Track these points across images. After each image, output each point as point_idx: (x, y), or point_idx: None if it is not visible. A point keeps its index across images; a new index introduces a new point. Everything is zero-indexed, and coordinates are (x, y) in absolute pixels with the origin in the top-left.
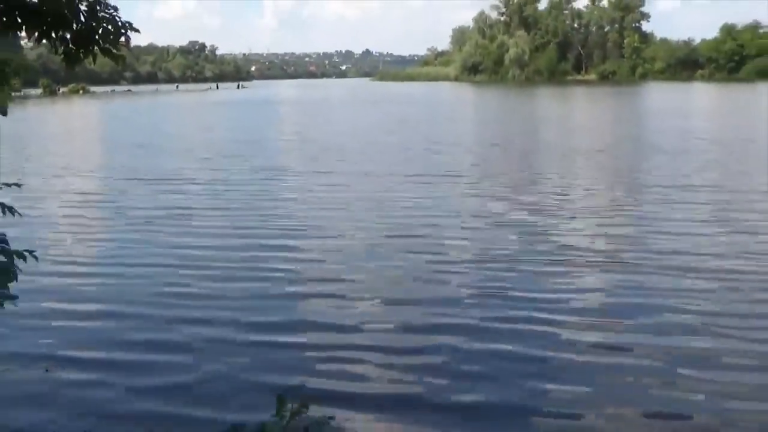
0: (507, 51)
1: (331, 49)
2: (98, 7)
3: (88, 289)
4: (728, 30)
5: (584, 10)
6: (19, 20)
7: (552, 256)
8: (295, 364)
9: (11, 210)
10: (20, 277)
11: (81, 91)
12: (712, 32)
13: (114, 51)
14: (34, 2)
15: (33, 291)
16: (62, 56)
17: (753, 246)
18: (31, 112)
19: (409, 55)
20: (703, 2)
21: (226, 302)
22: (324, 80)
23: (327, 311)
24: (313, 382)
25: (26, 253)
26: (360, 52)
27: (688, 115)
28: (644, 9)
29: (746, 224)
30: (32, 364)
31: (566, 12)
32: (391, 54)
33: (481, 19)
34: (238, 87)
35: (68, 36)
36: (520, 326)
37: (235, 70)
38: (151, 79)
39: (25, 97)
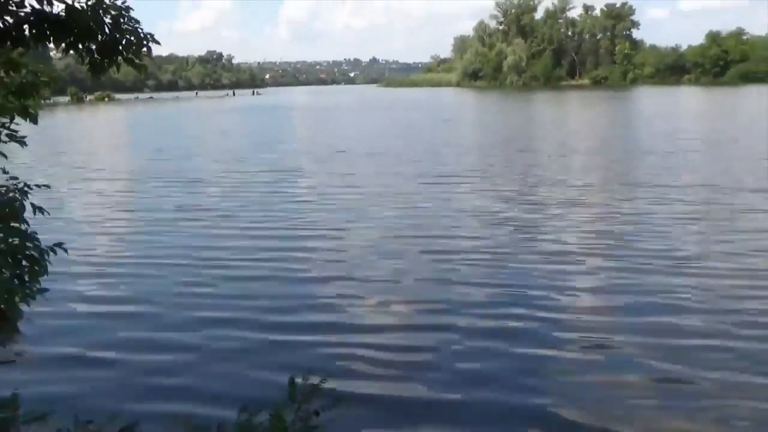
0: (505, 58)
1: (340, 58)
2: (122, 20)
3: (111, 284)
4: (713, 37)
5: (578, 18)
6: (48, 33)
7: (548, 253)
8: (306, 353)
9: (41, 210)
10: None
11: (106, 99)
12: (698, 39)
13: (137, 61)
14: (62, 16)
15: (60, 284)
16: (88, 66)
17: (738, 242)
18: (59, 118)
19: (414, 63)
20: (690, 11)
21: (241, 297)
22: (334, 87)
23: (336, 306)
24: (322, 370)
25: (56, 248)
26: (367, 60)
27: (676, 117)
28: (634, 18)
29: (732, 221)
30: (60, 351)
31: (561, 21)
32: (397, 62)
33: (481, 28)
34: (253, 94)
35: (94, 47)
36: (517, 323)
37: (251, 78)
38: (172, 86)
39: (54, 105)
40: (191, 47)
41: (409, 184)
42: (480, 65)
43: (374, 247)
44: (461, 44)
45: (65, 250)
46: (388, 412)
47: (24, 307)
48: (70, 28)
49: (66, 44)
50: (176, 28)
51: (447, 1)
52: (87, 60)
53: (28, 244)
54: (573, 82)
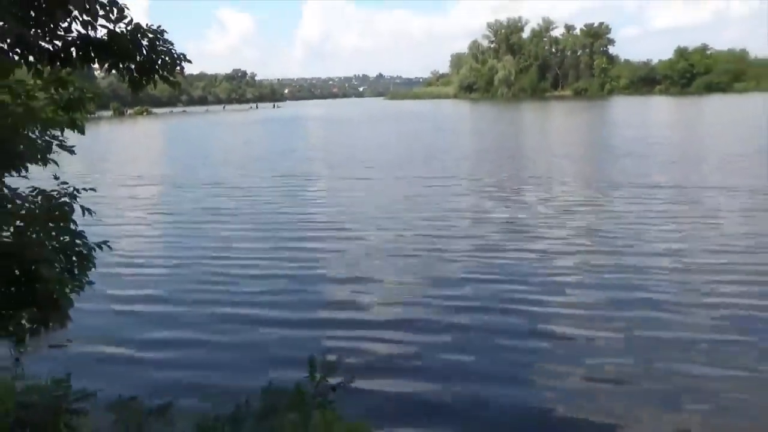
0: (496, 73)
1: (350, 74)
2: (157, 43)
3: (146, 277)
4: (681, 52)
5: (560, 37)
6: (93, 55)
7: (535, 250)
8: (322, 339)
9: (89, 211)
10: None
11: (144, 113)
12: (667, 54)
13: (171, 78)
14: (105, 39)
15: (103, 278)
16: (129, 83)
17: (706, 235)
18: (103, 130)
19: (416, 78)
20: (659, 29)
21: (262, 291)
22: (345, 100)
23: (349, 298)
24: (338, 353)
25: (102, 245)
26: (374, 75)
27: (649, 124)
28: (610, 36)
29: (700, 217)
30: (104, 336)
31: (545, 39)
32: (400, 77)
33: (475, 46)
34: (273, 107)
35: (133, 67)
36: (508, 309)
37: (271, 93)
38: (202, 101)
39: (99, 119)
40: (219, 66)
41: (411, 186)
42: (474, 79)
43: (378, 247)
44: (457, 61)
45: (110, 248)
46: (398, 378)
47: (74, 297)
48: (112, 50)
49: (108, 64)
50: (205, 49)
51: (444, 22)
52: (127, 78)
53: (77, 241)
54: (556, 93)
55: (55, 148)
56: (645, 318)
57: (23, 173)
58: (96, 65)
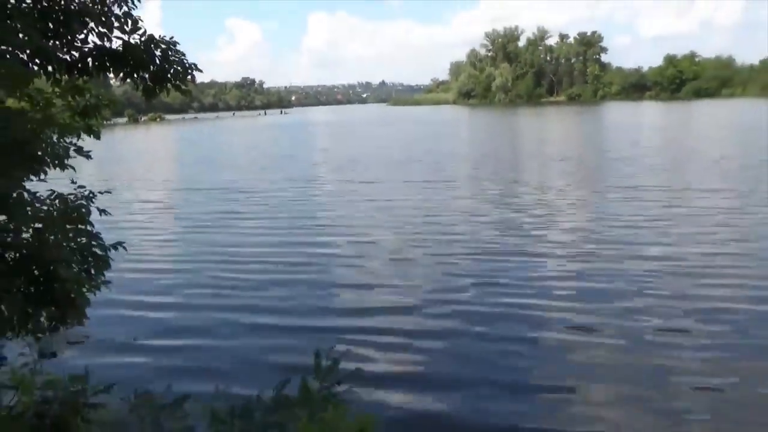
0: (494, 80)
1: (354, 81)
2: (170, 53)
3: (159, 278)
4: (670, 59)
5: (555, 45)
6: (108, 64)
7: (532, 248)
8: (327, 339)
9: (105, 211)
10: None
11: (158, 119)
12: (657, 61)
13: (183, 87)
14: (120, 50)
15: (118, 278)
16: (142, 91)
17: (694, 235)
18: (117, 136)
19: (417, 85)
20: (649, 38)
21: (268, 292)
22: (349, 106)
23: (353, 300)
24: (343, 350)
25: (117, 246)
26: (377, 83)
27: (639, 128)
28: (603, 44)
29: (688, 217)
30: (120, 334)
31: (541, 47)
32: (402, 84)
33: (473, 54)
34: (281, 113)
35: (147, 76)
36: (507, 311)
37: (279, 100)
38: (213, 108)
39: (114, 125)
40: (228, 74)
41: (413, 190)
42: (472, 86)
43: (381, 250)
44: (456, 68)
45: (125, 249)
46: (400, 372)
47: (90, 296)
48: (127, 60)
49: (123, 74)
50: (215, 58)
51: (444, 32)
52: (141, 87)
53: (94, 242)
54: (551, 99)
55: (72, 153)
56: (641, 320)
57: (42, 177)
58: (111, 74)
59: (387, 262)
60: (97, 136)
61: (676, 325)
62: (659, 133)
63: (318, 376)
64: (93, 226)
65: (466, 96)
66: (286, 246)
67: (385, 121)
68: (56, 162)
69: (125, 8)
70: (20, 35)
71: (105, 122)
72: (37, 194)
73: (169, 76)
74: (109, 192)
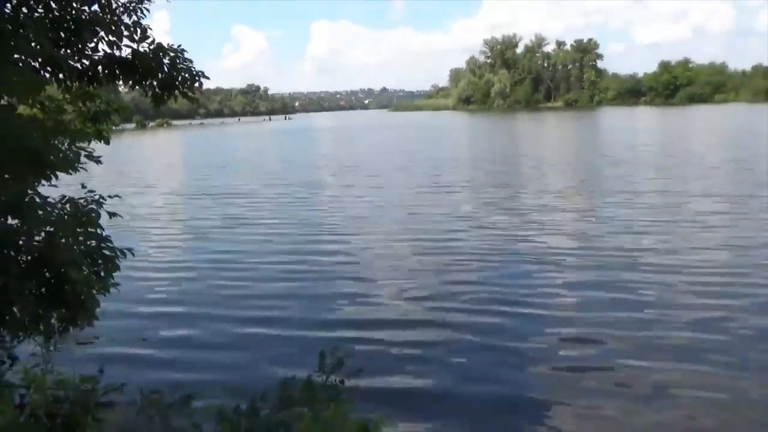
0: (492, 86)
1: (356, 88)
2: (177, 61)
3: (164, 280)
4: (664, 65)
5: (552, 52)
6: (118, 72)
7: (530, 254)
8: (329, 340)
9: (115, 214)
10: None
11: (165, 125)
12: (651, 67)
13: (190, 93)
14: (129, 58)
15: (125, 281)
16: (151, 98)
17: (692, 239)
18: (126, 141)
19: (417, 91)
20: (644, 44)
21: (274, 294)
22: (351, 112)
23: (354, 302)
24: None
25: (126, 250)
26: (378, 89)
27: (635, 133)
28: (598, 51)
29: (685, 222)
30: (127, 335)
31: (538, 54)
32: (403, 90)
33: (472, 61)
34: (285, 119)
35: (155, 83)
36: (506, 317)
37: (283, 106)
38: (219, 114)
39: (122, 131)
40: (234, 81)
41: (413, 195)
42: (472, 92)
43: (382, 254)
44: (456, 75)
45: (132, 254)
46: (400, 370)
47: (100, 298)
48: (136, 68)
49: (133, 81)
50: (221, 66)
51: (444, 39)
52: (150, 94)
53: (103, 245)
54: (549, 105)
55: (82, 158)
56: (637, 322)
57: (53, 182)
58: (121, 82)
59: (388, 270)
60: (107, 141)
61: (674, 333)
62: (655, 138)
63: (322, 375)
64: (103, 230)
65: (465, 102)
66: (288, 252)
67: (386, 127)
68: (67, 167)
69: (135, 17)
70: (32, 44)
71: (114, 128)
72: (48, 198)
73: (177, 83)
74: (119, 196)
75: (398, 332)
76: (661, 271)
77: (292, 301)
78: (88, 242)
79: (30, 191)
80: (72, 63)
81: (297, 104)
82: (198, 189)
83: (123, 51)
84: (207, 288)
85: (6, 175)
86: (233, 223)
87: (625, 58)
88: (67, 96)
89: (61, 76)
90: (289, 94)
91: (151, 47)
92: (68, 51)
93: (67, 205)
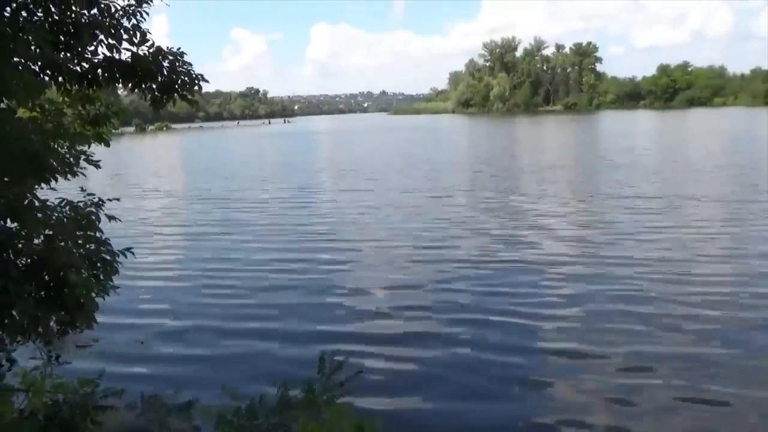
0: (492, 89)
1: (355, 91)
2: (177, 64)
3: (165, 284)
4: (663, 69)
5: (551, 55)
6: (117, 75)
7: (529, 258)
8: (327, 344)
9: (114, 218)
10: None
11: (164, 128)
12: (650, 71)
13: (189, 97)
14: (128, 61)
15: (125, 284)
16: (150, 102)
17: (691, 245)
18: (125, 144)
19: (416, 94)
20: (643, 48)
21: (272, 298)
22: (350, 115)
23: (352, 307)
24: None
25: (125, 252)
26: (378, 92)
27: (634, 136)
28: (597, 54)
29: (685, 227)
30: (126, 338)
31: (537, 57)
32: (402, 93)
33: (471, 65)
34: (284, 122)
35: (154, 86)
36: (504, 323)
37: (282, 109)
38: (218, 117)
39: (122, 134)
40: (233, 84)
41: (412, 199)
42: (471, 95)
43: (380, 258)
44: (455, 78)
45: (133, 254)
46: (398, 373)
47: (99, 301)
48: (135, 71)
49: (132, 84)
50: (221, 69)
51: (443, 43)
52: (149, 97)
53: (102, 249)
54: (548, 108)
55: (82, 162)
56: (637, 332)
57: (52, 185)
58: (120, 85)
59: (385, 276)
60: (107, 144)
61: (677, 343)
62: (655, 142)
63: (321, 378)
64: (102, 233)
65: (464, 105)
66: (286, 260)
67: (385, 130)
68: (67, 170)
69: (134, 21)
70: (32, 47)
71: (113, 131)
72: (48, 202)
73: (176, 86)
74: (118, 200)
75: (393, 340)
76: (661, 279)
77: (289, 305)
78: (88, 245)
79: (29, 194)
80: (71, 66)
81: (296, 107)
82: (198, 193)
83: (122, 54)
84: (205, 291)
85: (6, 178)
86: (232, 228)
87: (624, 61)
88: (66, 99)
89: (60, 79)
90: (289, 97)
91: (151, 50)
92: (68, 54)
93: (67, 208)
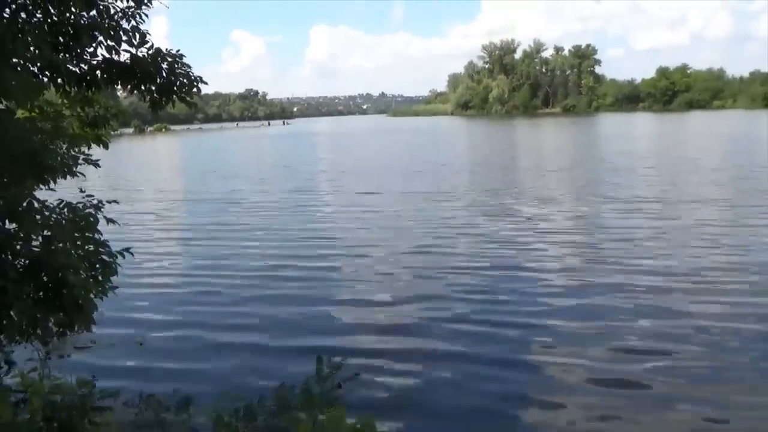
0: (491, 91)
1: (354, 93)
2: (176, 66)
3: (163, 286)
4: (663, 71)
5: (550, 58)
6: (116, 77)
7: (528, 263)
8: (324, 339)
9: (112, 221)
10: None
11: (163, 130)
12: (649, 73)
13: (188, 98)
14: (127, 63)
15: (123, 285)
16: (149, 103)
17: (689, 249)
18: (124, 146)
19: (416, 96)
20: (642, 50)
21: (264, 303)
22: (350, 117)
23: (346, 314)
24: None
25: (124, 252)
26: (377, 94)
27: (633, 139)
28: (597, 56)
29: (682, 231)
30: (125, 339)
31: (536, 60)
32: (401, 95)
33: (470, 67)
34: (283, 123)
35: (153, 88)
36: (502, 328)
37: (282, 111)
38: (217, 118)
39: (120, 135)
40: (232, 86)
41: (411, 201)
42: (470, 97)
43: (378, 262)
44: (454, 80)
45: (132, 255)
46: (396, 376)
47: (98, 302)
48: (134, 73)
49: (131, 86)
50: (220, 70)
51: (442, 45)
52: (148, 98)
53: (101, 249)
54: (547, 110)
55: (80, 162)
56: (636, 336)
57: (51, 186)
58: (119, 87)
59: (383, 278)
60: (106, 146)
61: (675, 347)
62: (653, 144)
63: (319, 380)
64: (101, 234)
65: (463, 107)
66: (285, 261)
67: (384, 132)
68: (65, 171)
69: (133, 22)
70: (31, 48)
71: (112, 132)
72: (46, 202)
73: (175, 88)
74: (117, 202)
75: (390, 344)
76: (660, 282)
77: (288, 306)
78: (86, 246)
79: (28, 195)
80: (71, 67)
81: (295, 109)
82: (197, 195)
83: (121, 56)
84: (205, 292)
85: (4, 179)
86: (231, 229)
87: (624, 63)
88: (65, 101)
89: (59, 80)
90: (288, 98)
91: (150, 52)
92: (67, 55)
93: (65, 210)
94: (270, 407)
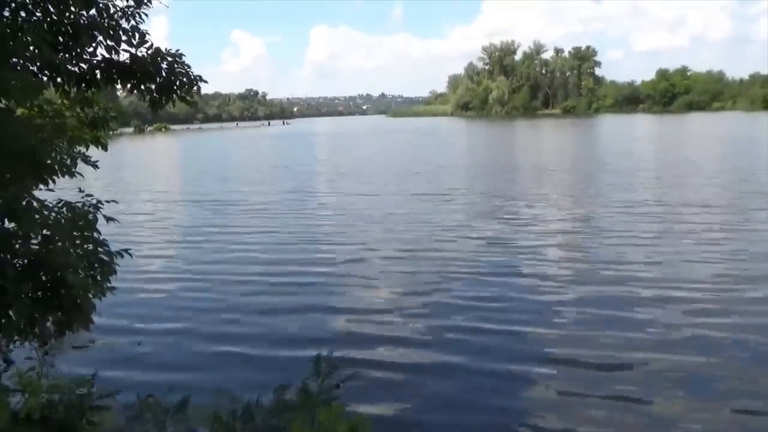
0: (491, 92)
1: (354, 93)
2: (176, 66)
3: (161, 285)
4: (662, 73)
5: (550, 59)
6: (116, 76)
7: (527, 267)
8: (325, 343)
9: (112, 219)
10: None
11: (163, 129)
12: (649, 75)
13: (188, 98)
14: (127, 63)
15: (122, 285)
16: (149, 103)
17: (688, 253)
18: (124, 146)
19: (415, 97)
20: (642, 52)
21: (268, 302)
22: (349, 117)
23: (348, 314)
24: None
25: (123, 252)
26: (377, 95)
27: (633, 140)
28: (596, 58)
29: (682, 234)
30: (123, 339)
31: (536, 61)
32: (401, 96)
33: (470, 68)
34: (283, 123)
35: (153, 87)
36: (500, 334)
37: (281, 111)
38: (217, 118)
39: (120, 135)
40: (232, 86)
41: (410, 203)
42: (470, 98)
43: (376, 265)
44: (454, 81)
45: (131, 255)
46: (392, 376)
47: (96, 301)
48: (134, 72)
49: (130, 85)
50: (220, 70)
51: (442, 46)
52: (148, 98)
53: (100, 249)
54: (547, 112)
55: (79, 162)
56: (635, 342)
57: (50, 186)
58: (119, 86)
59: (382, 281)
60: (105, 148)
61: (674, 354)
62: (652, 146)
63: (317, 380)
64: (100, 234)
65: (463, 108)
66: (284, 262)
67: (384, 132)
68: (64, 170)
69: (133, 22)
70: (31, 48)
71: (111, 132)
72: (45, 202)
73: (175, 87)
74: (116, 201)
75: (386, 350)
76: (660, 286)
77: (287, 307)
78: (85, 246)
79: (27, 195)
80: (70, 67)
81: (295, 109)
82: (196, 196)
83: (121, 55)
84: (204, 292)
85: (4, 177)
86: (231, 230)
87: (623, 65)
88: (65, 102)
89: (59, 80)
90: (288, 99)
91: (149, 52)
92: (66, 55)
93: (64, 209)
94: (268, 407)
